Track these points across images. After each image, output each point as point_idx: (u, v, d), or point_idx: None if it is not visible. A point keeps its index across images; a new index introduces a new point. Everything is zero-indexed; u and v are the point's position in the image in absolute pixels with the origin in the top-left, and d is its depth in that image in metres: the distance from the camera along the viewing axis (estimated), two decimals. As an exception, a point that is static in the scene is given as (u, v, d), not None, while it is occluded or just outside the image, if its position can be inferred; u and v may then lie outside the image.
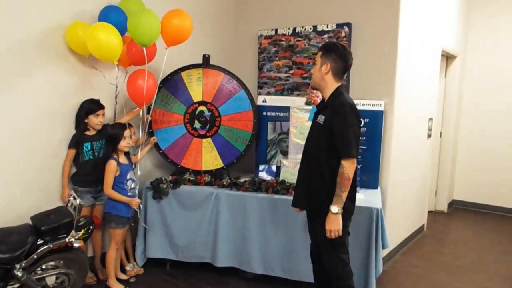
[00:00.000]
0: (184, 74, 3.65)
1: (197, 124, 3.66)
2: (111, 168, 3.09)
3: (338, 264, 2.43)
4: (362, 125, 3.50)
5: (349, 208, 2.40)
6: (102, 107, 3.24)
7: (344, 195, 2.29)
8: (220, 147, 3.65)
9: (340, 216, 2.30)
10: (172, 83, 3.61)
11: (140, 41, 3.02)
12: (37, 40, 2.99)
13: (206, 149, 3.66)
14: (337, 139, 2.29)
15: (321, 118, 2.40)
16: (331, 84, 2.41)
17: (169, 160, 3.66)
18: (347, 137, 2.26)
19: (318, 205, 2.38)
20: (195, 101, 3.65)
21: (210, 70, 3.67)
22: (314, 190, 2.41)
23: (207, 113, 3.65)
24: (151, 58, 3.26)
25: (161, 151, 3.66)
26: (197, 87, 3.65)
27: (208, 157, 3.66)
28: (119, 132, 3.11)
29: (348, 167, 2.26)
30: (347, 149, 2.27)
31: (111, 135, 3.13)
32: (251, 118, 3.64)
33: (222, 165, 3.64)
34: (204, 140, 3.66)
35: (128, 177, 3.19)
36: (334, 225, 2.30)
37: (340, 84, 2.43)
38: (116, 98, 3.41)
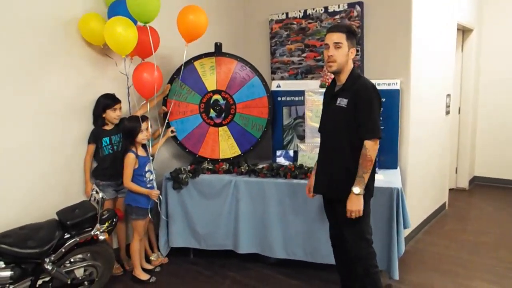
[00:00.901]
0: (197, 64, 3.65)
1: (212, 113, 3.67)
2: (130, 161, 3.13)
3: (363, 244, 2.45)
4: (378, 105, 3.46)
5: (371, 189, 2.45)
6: (118, 101, 3.28)
7: (366, 176, 2.31)
8: (237, 135, 3.66)
9: (361, 197, 2.32)
10: (185, 73, 3.62)
11: (140, 18, 3.03)
12: (51, 35, 3.04)
13: (223, 137, 3.67)
14: (362, 121, 2.31)
15: (342, 102, 2.38)
16: (350, 67, 2.43)
17: (187, 150, 3.69)
18: (373, 119, 2.30)
19: (340, 188, 2.39)
20: (209, 90, 3.66)
21: (222, 58, 3.66)
22: (336, 174, 2.43)
23: (222, 102, 3.66)
24: (155, 47, 3.27)
25: (178, 142, 3.69)
26: (210, 76, 3.65)
27: (225, 145, 3.67)
28: (136, 125, 3.13)
29: (371, 148, 2.28)
30: (372, 130, 2.29)
31: (129, 128, 3.15)
32: (266, 104, 3.63)
33: (239, 152, 3.66)
34: (220, 128, 3.68)
35: (146, 169, 3.23)
36: (355, 205, 2.33)
37: (353, 65, 2.46)
38: (128, 89, 3.42)
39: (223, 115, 3.67)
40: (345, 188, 2.36)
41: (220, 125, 3.68)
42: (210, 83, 3.66)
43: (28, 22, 2.89)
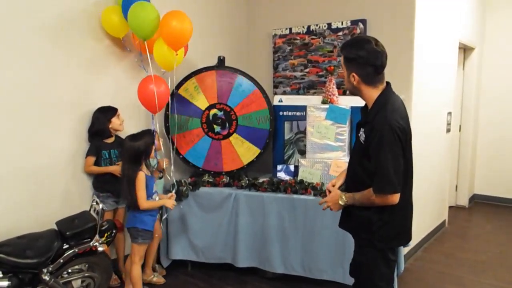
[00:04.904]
0: (181, 91, 3.64)
1: (217, 128, 3.67)
2: (142, 181, 2.92)
3: None
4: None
5: (386, 235, 2.04)
6: (116, 108, 3.29)
7: (358, 203, 2.04)
8: (248, 136, 3.64)
9: (341, 205, 2.11)
10: (175, 105, 3.59)
11: (139, 34, 3.07)
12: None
13: (237, 144, 3.65)
14: (374, 168, 1.92)
15: (362, 136, 2.01)
16: (368, 92, 1.99)
17: (212, 172, 3.67)
18: (385, 169, 1.87)
19: (360, 236, 2.15)
20: (203, 109, 3.66)
21: (201, 75, 3.63)
22: (355, 220, 2.13)
23: (220, 114, 3.66)
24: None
25: (200, 169, 3.68)
26: (198, 96, 3.65)
27: (242, 150, 3.64)
28: (150, 141, 2.99)
29: (381, 200, 1.92)
30: (380, 182, 1.90)
31: (144, 146, 2.93)
32: (259, 96, 3.61)
33: (259, 150, 3.62)
34: (230, 138, 3.65)
35: (153, 189, 3.07)
36: (331, 199, 2.14)
37: (381, 89, 1.99)
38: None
39: (226, 125, 3.66)
40: (364, 238, 2.09)
41: (229, 135, 3.66)
42: (202, 102, 3.66)
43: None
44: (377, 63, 1.94)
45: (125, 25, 3.21)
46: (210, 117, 3.67)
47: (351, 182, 2.12)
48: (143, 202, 2.91)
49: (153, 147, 3.05)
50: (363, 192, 1.99)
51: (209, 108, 3.67)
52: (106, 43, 3.37)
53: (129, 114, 3.52)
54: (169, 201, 3.09)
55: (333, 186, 2.23)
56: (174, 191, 3.35)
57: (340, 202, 2.10)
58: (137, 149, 2.91)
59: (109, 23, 3.24)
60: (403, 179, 1.98)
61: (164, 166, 3.34)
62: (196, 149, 3.68)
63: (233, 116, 3.66)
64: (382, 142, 1.86)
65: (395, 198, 1.92)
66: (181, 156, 3.69)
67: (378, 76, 1.98)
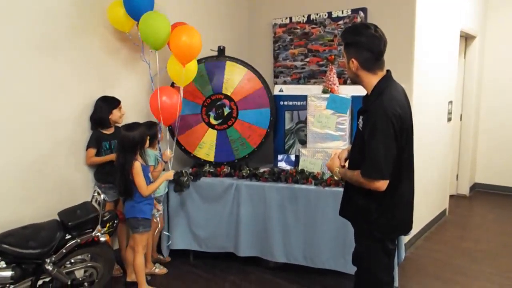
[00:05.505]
0: (197, 152, 3.69)
1: (226, 111, 3.64)
2: (139, 169, 2.91)
3: (369, 283, 2.16)
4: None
5: (384, 230, 2.04)
6: (119, 100, 3.30)
7: (349, 180, 2.07)
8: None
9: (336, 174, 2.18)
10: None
11: (151, 45, 3.08)
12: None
13: (245, 87, 3.63)
14: (365, 153, 1.92)
15: (361, 123, 2.00)
16: (367, 78, 1.98)
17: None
18: (373, 154, 1.87)
19: (356, 225, 2.17)
20: (211, 126, 3.67)
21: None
22: (352, 206, 2.15)
23: (211, 113, 3.64)
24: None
25: (264, 137, 3.65)
26: (202, 148, 3.69)
27: (250, 91, 3.61)
28: (145, 132, 2.98)
29: (367, 184, 1.92)
30: (369, 167, 1.89)
31: (138, 138, 2.91)
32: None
33: (245, 70, 3.61)
34: (236, 102, 3.63)
35: (150, 180, 3.08)
36: (328, 168, 2.25)
37: (380, 76, 1.98)
38: (152, 78, 3.40)
39: (222, 101, 3.62)
40: (363, 228, 2.09)
41: (233, 102, 3.63)
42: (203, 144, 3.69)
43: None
44: (375, 48, 1.93)
45: (130, 19, 3.19)
46: (219, 118, 3.65)
47: (352, 168, 2.11)
48: (144, 189, 2.92)
49: (157, 139, 3.10)
50: (354, 172, 2.01)
51: (210, 125, 3.67)
52: (108, 40, 3.37)
53: (131, 110, 3.54)
54: (168, 173, 3.15)
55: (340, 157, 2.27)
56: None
57: (335, 177, 2.19)
58: (132, 139, 2.88)
59: (115, 18, 3.21)
60: (405, 169, 2.01)
61: (170, 156, 3.35)
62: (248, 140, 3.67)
63: (213, 97, 3.63)
64: (375, 127, 1.86)
65: (382, 185, 1.90)
66: (249, 154, 3.67)
67: (377, 63, 1.97)
